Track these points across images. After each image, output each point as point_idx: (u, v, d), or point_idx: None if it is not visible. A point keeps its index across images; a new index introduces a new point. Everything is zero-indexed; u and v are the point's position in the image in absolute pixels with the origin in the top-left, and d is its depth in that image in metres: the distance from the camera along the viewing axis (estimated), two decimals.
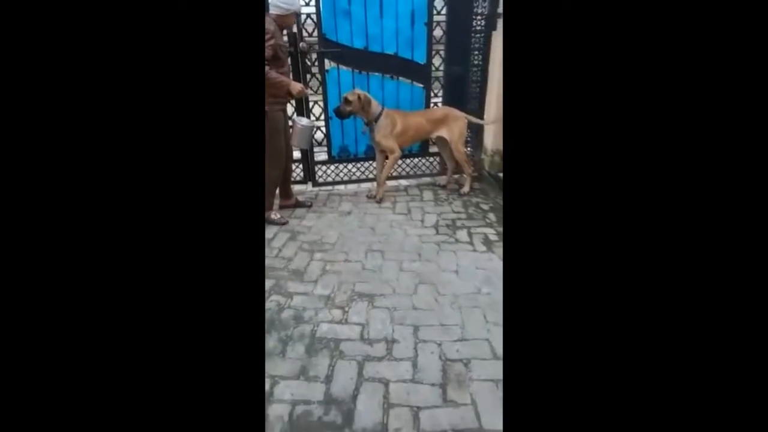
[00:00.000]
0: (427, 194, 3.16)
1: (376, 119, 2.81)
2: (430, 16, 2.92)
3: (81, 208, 0.57)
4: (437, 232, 2.58)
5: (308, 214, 2.86)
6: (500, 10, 2.84)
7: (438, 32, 3.01)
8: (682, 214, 0.55)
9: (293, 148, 2.77)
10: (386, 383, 1.48)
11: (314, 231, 2.62)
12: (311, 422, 1.34)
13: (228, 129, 0.62)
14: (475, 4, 2.90)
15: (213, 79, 0.60)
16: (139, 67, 0.57)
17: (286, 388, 1.47)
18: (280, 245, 2.45)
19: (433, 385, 1.47)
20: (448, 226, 2.65)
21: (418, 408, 1.38)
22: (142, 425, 0.57)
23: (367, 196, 3.10)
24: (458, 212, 2.85)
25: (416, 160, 3.44)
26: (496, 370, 1.52)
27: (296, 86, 2.45)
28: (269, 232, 2.60)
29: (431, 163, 3.45)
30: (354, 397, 1.42)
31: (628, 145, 0.57)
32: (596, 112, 0.57)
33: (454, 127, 2.95)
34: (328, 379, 1.50)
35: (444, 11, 2.93)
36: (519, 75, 0.62)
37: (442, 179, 3.32)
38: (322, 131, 3.16)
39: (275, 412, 1.37)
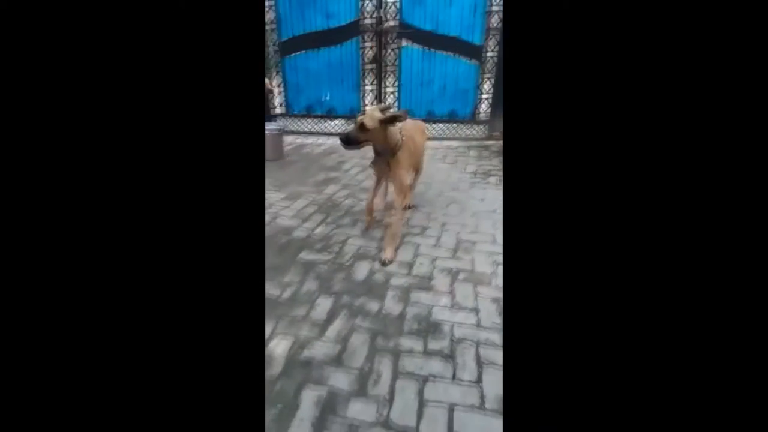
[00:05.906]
0: (473, 153, 3.89)
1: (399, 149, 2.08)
2: (489, 6, 3.60)
3: (90, 188, 0.56)
4: (474, 177, 3.33)
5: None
6: None
7: (495, 20, 3.69)
8: (681, 206, 0.55)
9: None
10: (417, 246, 2.31)
11: None
12: (368, 255, 2.21)
13: (230, 122, 0.62)
14: None
15: (215, 75, 0.61)
16: (138, 67, 0.57)
17: (355, 240, 2.35)
18: (354, 172, 3.35)
19: (447, 249, 2.28)
20: (483, 173, 3.39)
21: (436, 257, 2.20)
22: (144, 397, 0.57)
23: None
24: (494, 166, 3.56)
25: (464, 126, 4.16)
26: (492, 248, 2.29)
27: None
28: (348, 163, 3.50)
29: (480, 129, 4.15)
30: (396, 250, 2.28)
31: (627, 144, 0.57)
32: (596, 110, 0.58)
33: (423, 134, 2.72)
34: (381, 240, 2.37)
35: (500, 2, 3.60)
36: (519, 74, 0.62)
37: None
38: (393, 96, 3.99)
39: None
